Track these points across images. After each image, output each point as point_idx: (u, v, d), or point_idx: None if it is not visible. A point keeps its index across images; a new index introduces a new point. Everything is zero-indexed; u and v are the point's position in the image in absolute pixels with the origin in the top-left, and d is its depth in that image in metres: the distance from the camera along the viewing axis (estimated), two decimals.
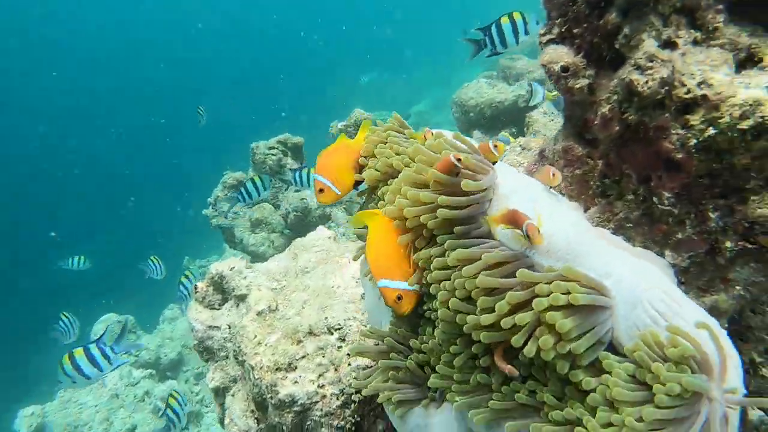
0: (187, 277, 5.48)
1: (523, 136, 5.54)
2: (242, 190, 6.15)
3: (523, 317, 1.13)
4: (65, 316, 5.99)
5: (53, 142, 22.19)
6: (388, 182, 1.52)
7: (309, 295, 3.06)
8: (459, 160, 1.28)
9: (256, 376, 2.68)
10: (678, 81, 1.38)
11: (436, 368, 1.35)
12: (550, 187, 1.46)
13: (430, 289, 1.33)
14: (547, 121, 5.46)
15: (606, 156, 1.60)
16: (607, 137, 1.53)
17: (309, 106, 18.17)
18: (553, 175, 1.32)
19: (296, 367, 2.68)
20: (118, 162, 21.45)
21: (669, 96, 1.39)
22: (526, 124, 5.74)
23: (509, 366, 1.19)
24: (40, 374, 8.36)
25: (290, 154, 8.48)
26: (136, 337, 9.40)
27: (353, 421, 2.60)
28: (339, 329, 2.74)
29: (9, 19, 24.75)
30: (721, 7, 1.44)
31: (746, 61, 1.43)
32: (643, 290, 1.18)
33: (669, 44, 1.45)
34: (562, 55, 1.62)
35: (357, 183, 1.78)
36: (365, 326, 2.70)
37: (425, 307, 1.47)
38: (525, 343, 1.13)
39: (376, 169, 1.58)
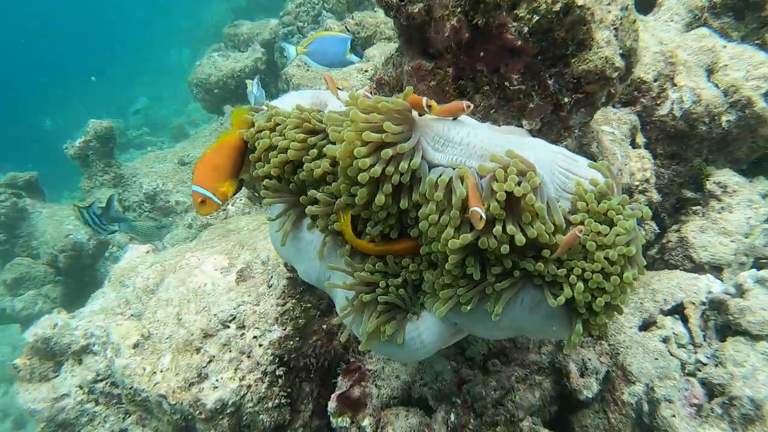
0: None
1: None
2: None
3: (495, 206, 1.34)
4: None
5: None
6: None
7: (177, 305, 2.89)
8: (429, 107, 1.39)
9: (172, 402, 2.49)
10: None
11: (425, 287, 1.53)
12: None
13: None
14: (303, 73, 5.67)
15: (456, 62, 1.89)
16: (457, 44, 1.81)
17: None
18: (467, 106, 1.43)
19: (208, 373, 2.57)
20: None
21: None
22: (285, 81, 5.83)
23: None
24: None
25: (25, 194, 7.26)
26: None
27: (285, 394, 2.64)
28: (233, 318, 2.68)
29: None
30: None
31: None
32: (549, 160, 1.50)
33: None
34: None
35: (241, 183, 1.76)
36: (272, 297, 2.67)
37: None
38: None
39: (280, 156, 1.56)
